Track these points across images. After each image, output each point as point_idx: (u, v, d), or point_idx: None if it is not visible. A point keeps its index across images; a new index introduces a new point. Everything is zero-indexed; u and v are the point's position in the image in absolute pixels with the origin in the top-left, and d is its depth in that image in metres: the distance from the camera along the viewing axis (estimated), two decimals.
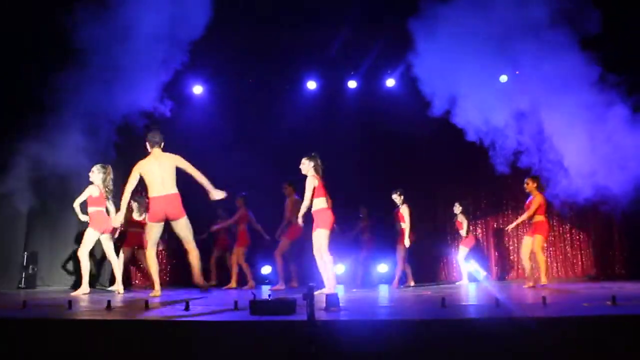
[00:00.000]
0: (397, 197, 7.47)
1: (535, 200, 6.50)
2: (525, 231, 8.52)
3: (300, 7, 7.60)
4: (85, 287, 6.37)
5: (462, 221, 8.10)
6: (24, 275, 7.47)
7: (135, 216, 7.77)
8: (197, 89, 9.15)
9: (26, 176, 7.28)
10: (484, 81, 6.62)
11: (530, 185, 6.57)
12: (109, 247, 6.61)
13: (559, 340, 2.85)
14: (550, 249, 8.95)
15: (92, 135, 6.93)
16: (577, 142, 6.49)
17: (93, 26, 6.25)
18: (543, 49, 6.50)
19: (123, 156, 7.83)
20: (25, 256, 7.52)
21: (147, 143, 5.56)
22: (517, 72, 7.79)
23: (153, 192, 5.35)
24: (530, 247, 6.51)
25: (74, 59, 6.37)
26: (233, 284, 7.63)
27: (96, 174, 6.47)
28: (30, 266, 7.51)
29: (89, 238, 6.42)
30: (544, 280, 6.46)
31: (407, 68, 7.27)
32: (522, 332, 2.88)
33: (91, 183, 6.49)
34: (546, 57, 6.55)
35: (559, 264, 8.97)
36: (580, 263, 8.75)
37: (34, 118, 7.22)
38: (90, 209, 6.49)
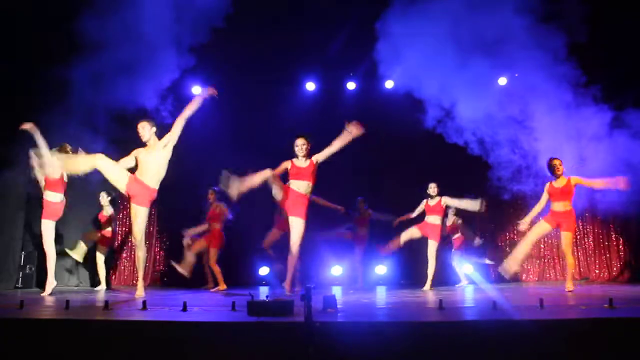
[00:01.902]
0: (433, 190, 7.36)
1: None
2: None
3: (300, 9, 7.61)
4: (51, 282, 6.15)
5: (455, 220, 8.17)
6: (21, 275, 7.46)
7: (106, 212, 7.67)
8: (196, 90, 9.15)
9: (24, 175, 7.28)
10: (469, 87, 6.67)
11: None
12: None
13: (556, 342, 2.86)
14: (548, 252, 8.99)
15: (92, 134, 6.93)
16: (571, 147, 6.55)
17: (96, 24, 6.24)
18: (531, 56, 6.58)
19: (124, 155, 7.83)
20: (23, 256, 7.51)
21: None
22: (516, 75, 7.85)
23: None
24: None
25: (75, 57, 6.36)
26: (210, 284, 7.48)
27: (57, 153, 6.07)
28: (28, 266, 7.50)
29: (47, 230, 6.11)
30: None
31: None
32: (520, 335, 2.89)
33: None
34: (534, 64, 6.63)
35: (556, 267, 9.00)
36: (577, 266, 8.77)
37: (33, 117, 7.21)
38: (46, 194, 6.13)
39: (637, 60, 7.44)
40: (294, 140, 5.84)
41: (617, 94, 6.95)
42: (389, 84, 8.98)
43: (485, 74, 6.93)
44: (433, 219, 7.23)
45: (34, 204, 7.38)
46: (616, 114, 6.73)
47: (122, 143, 7.52)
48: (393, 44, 6.68)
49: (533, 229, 6.03)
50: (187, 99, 9.00)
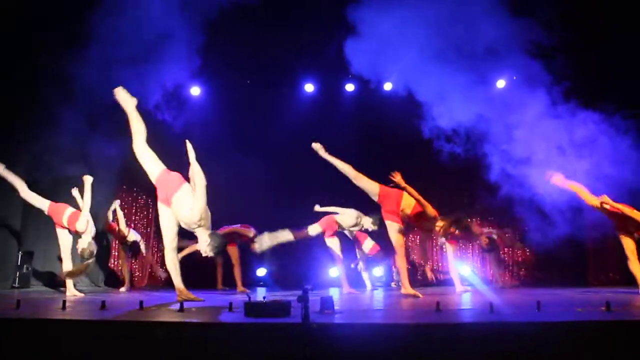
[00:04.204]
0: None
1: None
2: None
3: (299, 10, 7.62)
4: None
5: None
6: (18, 275, 7.44)
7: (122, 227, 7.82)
8: (195, 91, 9.14)
9: (22, 175, 7.25)
10: (461, 91, 6.70)
11: None
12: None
13: (552, 345, 2.86)
14: (545, 253, 8.99)
15: (91, 132, 6.94)
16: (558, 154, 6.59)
17: (102, 19, 6.24)
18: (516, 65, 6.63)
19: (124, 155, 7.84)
20: (20, 255, 7.49)
21: None
22: (514, 77, 7.89)
23: None
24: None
25: (78, 52, 6.36)
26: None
27: None
28: (25, 265, 7.49)
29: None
30: None
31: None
32: (516, 337, 2.89)
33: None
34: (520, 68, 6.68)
35: (553, 269, 9.00)
36: (574, 268, 8.78)
37: (33, 117, 7.20)
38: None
39: (624, 65, 7.51)
40: None
41: (603, 99, 7.00)
42: (387, 86, 8.99)
43: (477, 78, 6.96)
44: None
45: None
46: (603, 119, 6.77)
47: (123, 137, 7.55)
48: (375, 45, 6.70)
49: (632, 250, 6.03)
50: (186, 99, 9.05)
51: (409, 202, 5.86)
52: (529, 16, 6.45)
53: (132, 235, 7.91)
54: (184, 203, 4.67)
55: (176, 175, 4.95)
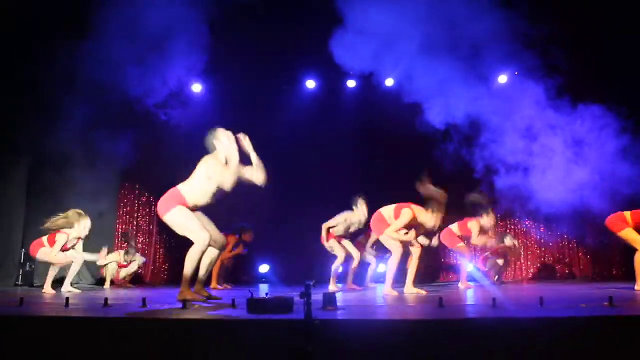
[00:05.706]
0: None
1: None
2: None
3: (300, 6, 7.61)
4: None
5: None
6: (21, 273, 7.47)
7: (121, 259, 7.85)
8: (197, 87, 9.14)
9: (25, 173, 7.27)
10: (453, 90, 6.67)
11: None
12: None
13: (556, 340, 2.85)
14: (547, 250, 8.98)
15: (92, 132, 6.94)
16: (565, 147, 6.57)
17: (103, 16, 6.25)
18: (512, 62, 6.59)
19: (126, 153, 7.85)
20: (23, 254, 7.51)
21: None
22: (516, 73, 7.87)
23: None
24: None
25: (80, 53, 6.37)
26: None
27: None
28: (28, 264, 7.52)
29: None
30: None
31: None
32: (520, 333, 2.88)
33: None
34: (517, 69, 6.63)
35: (556, 266, 9.01)
36: (577, 264, 8.77)
37: (35, 117, 7.21)
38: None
39: (621, 60, 7.48)
40: None
41: (600, 93, 6.97)
42: (389, 82, 8.97)
43: (478, 74, 6.94)
44: None
45: (34, 201, 7.38)
46: (601, 114, 6.74)
47: (122, 141, 7.56)
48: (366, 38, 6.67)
49: None
50: (188, 97, 9.04)
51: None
52: (529, 10, 6.42)
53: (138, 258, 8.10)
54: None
55: None
